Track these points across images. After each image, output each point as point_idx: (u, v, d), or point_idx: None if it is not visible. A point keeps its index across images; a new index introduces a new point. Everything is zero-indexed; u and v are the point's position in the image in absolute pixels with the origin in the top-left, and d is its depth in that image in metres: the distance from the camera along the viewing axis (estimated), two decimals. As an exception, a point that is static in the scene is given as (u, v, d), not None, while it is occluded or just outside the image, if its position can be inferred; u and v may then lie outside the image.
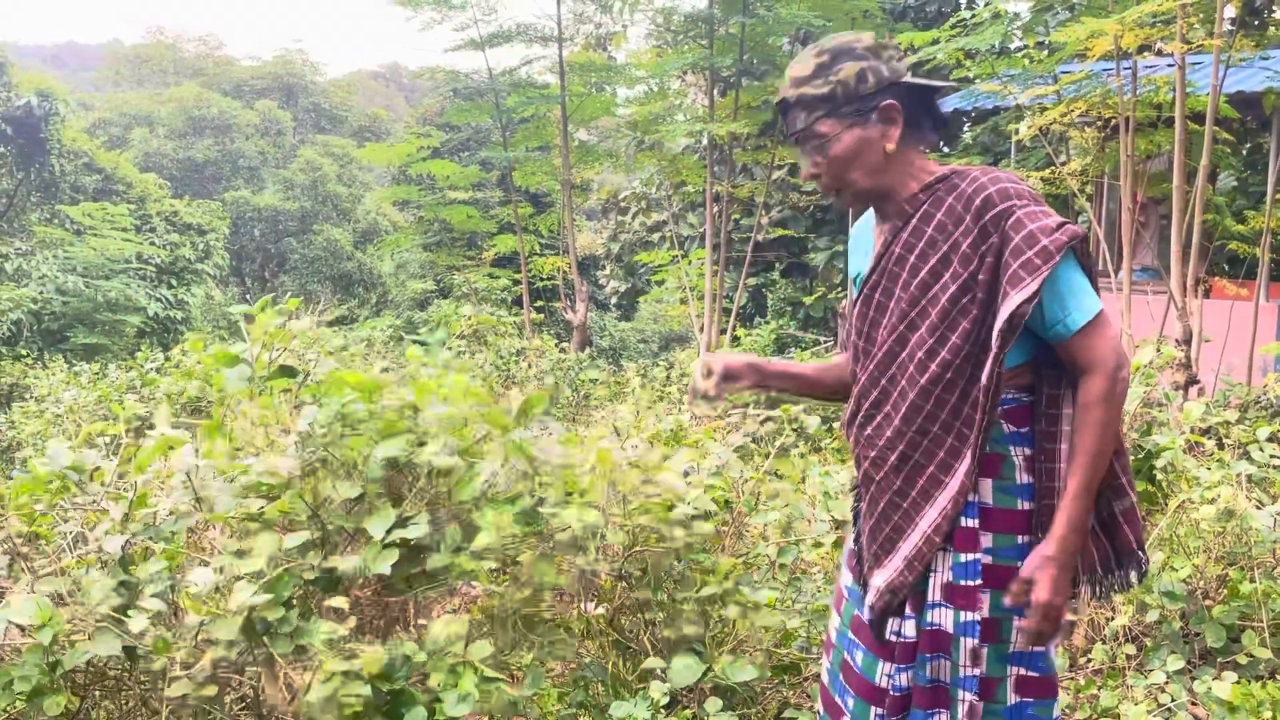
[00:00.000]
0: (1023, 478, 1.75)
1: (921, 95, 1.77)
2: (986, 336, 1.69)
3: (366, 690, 1.58)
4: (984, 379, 1.69)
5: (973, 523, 1.75)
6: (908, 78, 1.77)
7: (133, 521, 1.76)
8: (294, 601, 1.68)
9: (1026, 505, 1.75)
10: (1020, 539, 1.75)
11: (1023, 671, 1.79)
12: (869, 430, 1.84)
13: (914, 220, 1.77)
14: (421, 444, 1.89)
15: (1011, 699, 1.79)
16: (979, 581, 1.75)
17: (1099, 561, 1.82)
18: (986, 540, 1.75)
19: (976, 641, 1.75)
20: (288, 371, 1.97)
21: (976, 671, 1.75)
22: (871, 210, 1.91)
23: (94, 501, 1.92)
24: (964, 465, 1.73)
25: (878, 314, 1.82)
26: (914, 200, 1.78)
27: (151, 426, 1.97)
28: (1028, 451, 1.76)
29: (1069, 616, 1.75)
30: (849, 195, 1.81)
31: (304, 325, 1.97)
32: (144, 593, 1.73)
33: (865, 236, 1.95)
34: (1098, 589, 1.84)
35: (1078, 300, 1.68)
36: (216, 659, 1.64)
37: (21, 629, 1.68)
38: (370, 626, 2.07)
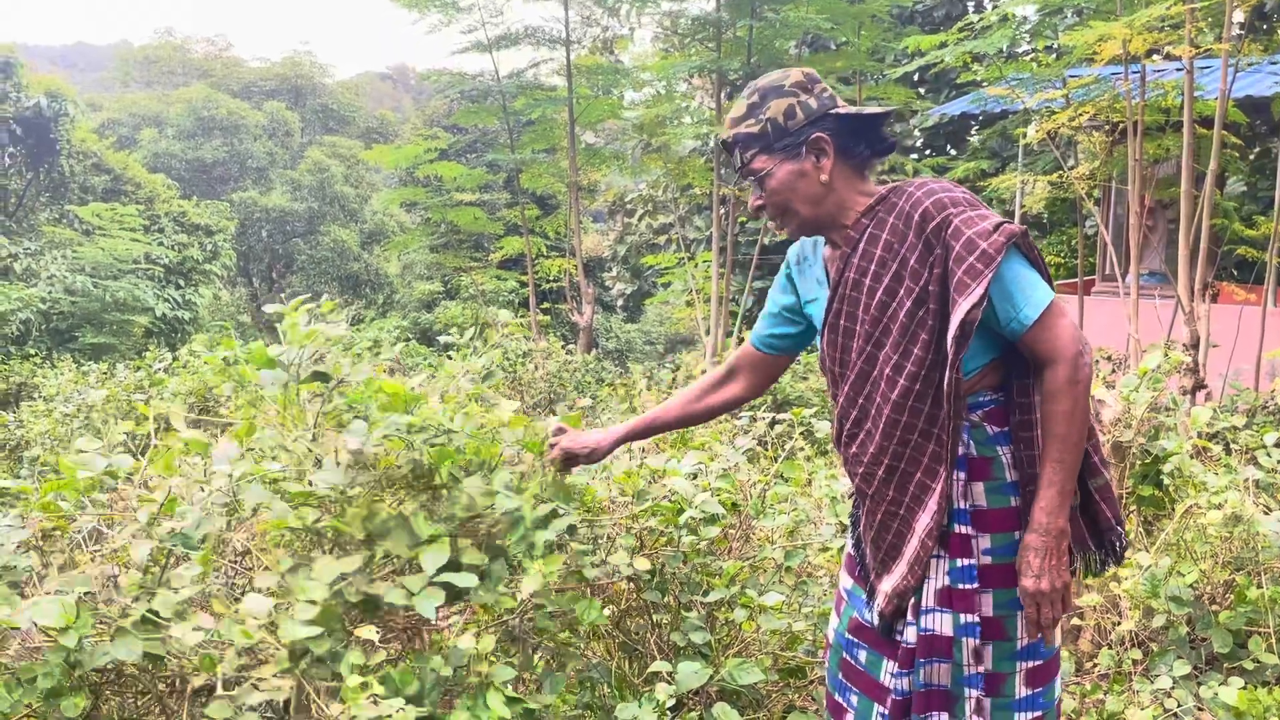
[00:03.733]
0: (1011, 475, 1.80)
1: (854, 124, 1.83)
2: (945, 344, 1.73)
3: None
4: (945, 385, 1.73)
5: (965, 529, 1.80)
6: (837, 109, 1.82)
7: (158, 526, 1.74)
8: (335, 627, 1.65)
9: (1016, 502, 1.80)
10: (1016, 535, 1.79)
11: (1030, 664, 1.84)
12: (854, 448, 1.90)
13: (862, 244, 1.82)
14: (467, 473, 1.88)
15: (1021, 692, 1.84)
16: (975, 585, 1.80)
17: (1088, 537, 1.88)
18: (985, 542, 1.80)
19: (978, 642, 1.80)
20: (321, 376, 1.93)
21: (981, 669, 1.81)
22: (811, 237, 1.98)
23: (121, 502, 1.91)
24: (946, 467, 1.78)
25: (845, 338, 1.88)
26: (858, 225, 1.83)
27: (169, 427, 1.95)
28: (1011, 449, 1.80)
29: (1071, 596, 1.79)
30: (795, 225, 1.89)
31: (340, 330, 1.92)
32: (182, 597, 1.69)
33: (814, 264, 2.00)
34: (1086, 566, 1.91)
35: (1026, 295, 1.72)
36: (266, 696, 1.60)
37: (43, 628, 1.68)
38: (398, 650, 2.07)
